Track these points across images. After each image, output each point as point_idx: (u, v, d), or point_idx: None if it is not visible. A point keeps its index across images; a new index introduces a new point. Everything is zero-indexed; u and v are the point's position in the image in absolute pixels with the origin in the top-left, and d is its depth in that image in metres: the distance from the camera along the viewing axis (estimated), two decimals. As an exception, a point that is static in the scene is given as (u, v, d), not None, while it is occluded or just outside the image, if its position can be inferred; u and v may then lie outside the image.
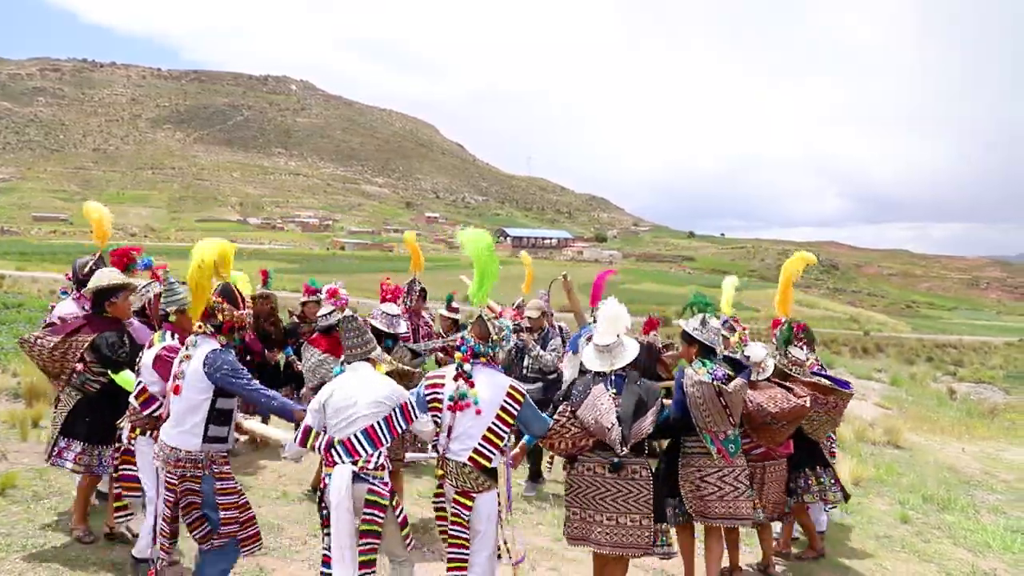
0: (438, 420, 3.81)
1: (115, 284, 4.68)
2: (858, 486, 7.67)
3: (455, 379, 3.81)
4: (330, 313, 6.07)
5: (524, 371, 6.67)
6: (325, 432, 3.64)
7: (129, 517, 4.62)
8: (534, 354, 6.66)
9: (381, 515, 3.53)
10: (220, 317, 3.86)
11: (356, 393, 3.59)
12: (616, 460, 3.98)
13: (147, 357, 4.16)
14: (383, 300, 6.16)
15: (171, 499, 3.78)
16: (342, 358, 3.90)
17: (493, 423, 3.73)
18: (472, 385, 3.76)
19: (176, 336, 4.17)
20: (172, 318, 4.23)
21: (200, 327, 3.86)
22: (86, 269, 5.25)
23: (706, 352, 4.55)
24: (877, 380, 21.31)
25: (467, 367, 3.81)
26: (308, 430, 3.65)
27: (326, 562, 3.50)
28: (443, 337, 7.34)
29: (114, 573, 4.47)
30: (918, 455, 10.09)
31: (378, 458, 3.55)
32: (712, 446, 4.45)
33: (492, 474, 3.76)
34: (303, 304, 7.52)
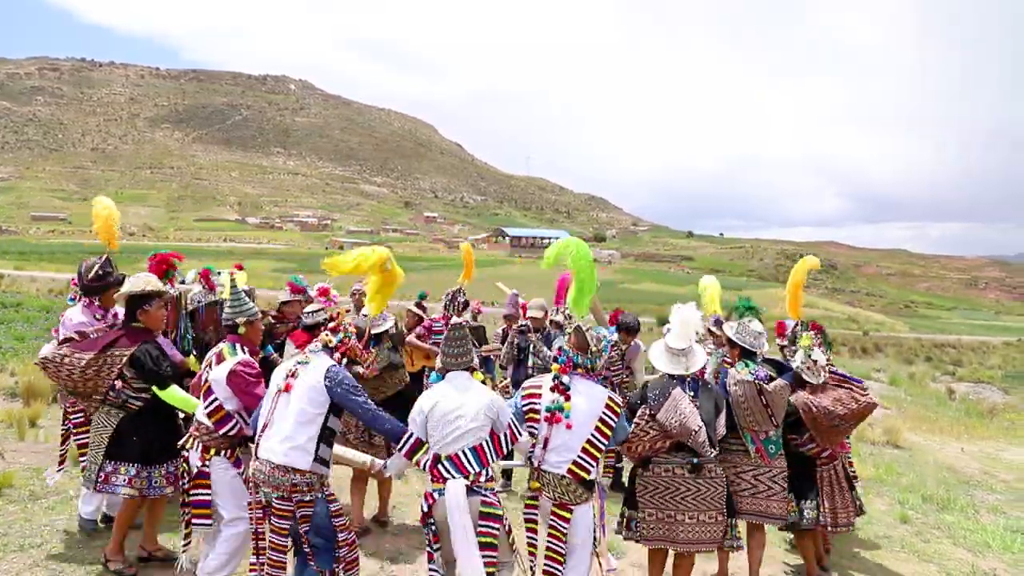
0: (534, 431, 3.78)
1: (150, 291, 4.29)
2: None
3: (552, 390, 3.77)
4: (317, 311, 6.08)
5: (530, 371, 6.68)
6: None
7: (186, 545, 4.11)
8: (542, 354, 6.67)
9: (497, 527, 3.49)
10: (341, 338, 3.81)
11: (460, 405, 3.50)
12: (695, 461, 4.07)
13: (218, 372, 3.91)
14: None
15: (284, 527, 3.57)
16: (436, 366, 3.97)
17: (592, 435, 3.70)
18: (568, 398, 3.73)
19: (246, 349, 4.01)
20: (241, 330, 4.03)
21: (318, 341, 3.80)
22: (92, 273, 4.81)
23: (747, 355, 4.68)
24: (876, 380, 21.30)
25: (565, 379, 3.79)
26: (418, 442, 3.54)
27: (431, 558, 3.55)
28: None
29: (108, 570, 4.46)
30: (917, 455, 10.08)
31: (487, 473, 3.51)
32: (752, 445, 4.55)
33: (590, 486, 3.72)
34: (284, 303, 6.98)
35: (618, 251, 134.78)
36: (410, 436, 3.56)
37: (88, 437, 4.50)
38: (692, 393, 4.18)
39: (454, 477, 3.42)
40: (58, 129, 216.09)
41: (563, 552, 3.68)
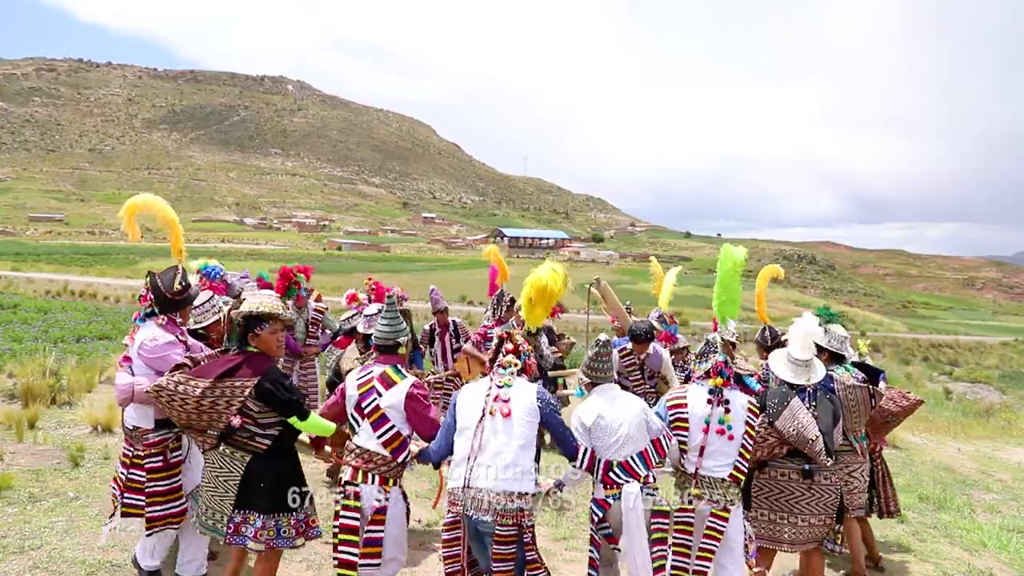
0: (683, 438, 4.00)
1: (268, 311, 3.71)
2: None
3: (708, 403, 3.98)
4: (351, 316, 6.30)
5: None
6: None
7: None
8: (545, 354, 6.70)
9: (666, 523, 3.77)
10: (525, 360, 3.78)
11: (620, 415, 3.74)
12: (807, 467, 4.29)
13: (394, 397, 3.70)
14: (379, 299, 6.18)
15: (511, 552, 3.47)
16: (578, 379, 4.00)
17: (743, 438, 4.00)
18: (729, 411, 3.97)
19: (401, 369, 3.85)
20: (402, 350, 3.90)
21: (508, 362, 3.74)
22: (176, 286, 4.20)
23: (836, 359, 4.92)
24: (873, 380, 21.34)
25: (727, 392, 4.01)
26: (593, 454, 3.73)
27: (594, 565, 3.77)
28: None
29: (107, 573, 4.46)
30: (914, 455, 10.11)
31: (653, 475, 3.77)
32: (856, 444, 4.90)
33: (740, 487, 4.03)
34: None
35: (616, 251, 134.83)
36: (585, 451, 3.73)
37: (163, 484, 4.05)
38: (813, 402, 4.38)
39: (627, 482, 3.66)
40: (55, 130, 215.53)
41: (715, 552, 3.91)
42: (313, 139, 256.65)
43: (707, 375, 4.06)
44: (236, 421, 3.56)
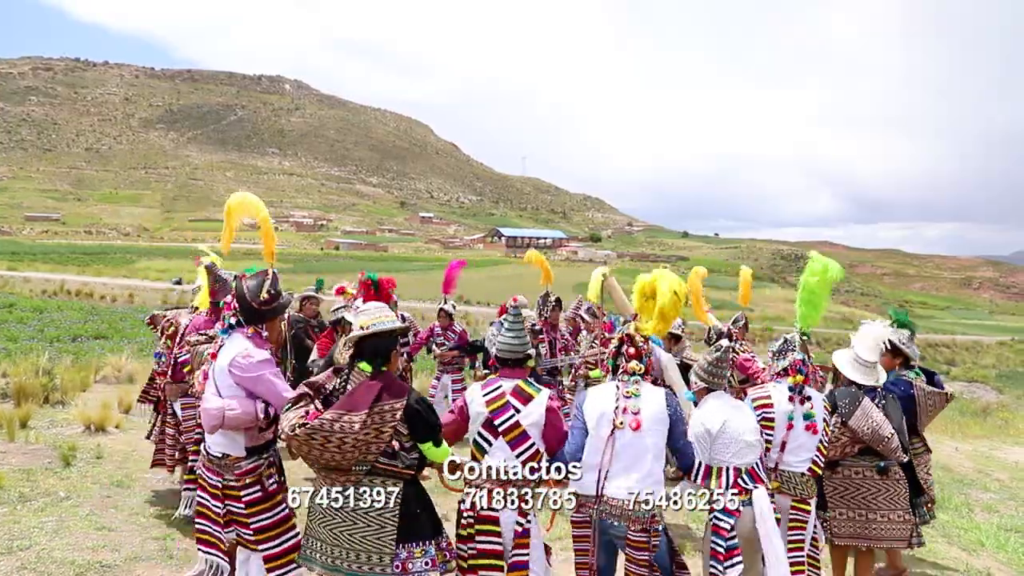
0: (769, 436, 4.05)
1: (401, 327, 3.41)
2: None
3: (790, 400, 4.07)
4: (338, 308, 6.35)
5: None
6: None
7: None
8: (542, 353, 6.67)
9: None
10: (646, 363, 3.69)
11: (745, 422, 3.79)
12: (882, 464, 4.43)
13: (534, 413, 3.49)
14: (368, 298, 6.10)
15: (644, 558, 3.42)
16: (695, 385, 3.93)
17: (822, 435, 4.12)
18: (813, 407, 4.08)
19: (531, 381, 3.68)
20: (531, 363, 3.78)
21: (633, 368, 3.62)
22: (265, 293, 3.71)
23: (907, 364, 5.09)
24: (871, 379, 21.39)
25: (808, 390, 4.10)
26: (708, 468, 3.77)
27: None
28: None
29: (96, 573, 4.42)
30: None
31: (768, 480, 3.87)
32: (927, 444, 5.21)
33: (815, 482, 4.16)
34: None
35: (614, 251, 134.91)
36: (700, 464, 3.72)
37: (268, 517, 3.62)
38: (882, 402, 4.57)
39: (755, 487, 3.70)
40: (52, 129, 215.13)
41: (803, 540, 3.99)
42: (310, 139, 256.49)
43: (786, 372, 4.16)
44: (395, 445, 3.22)
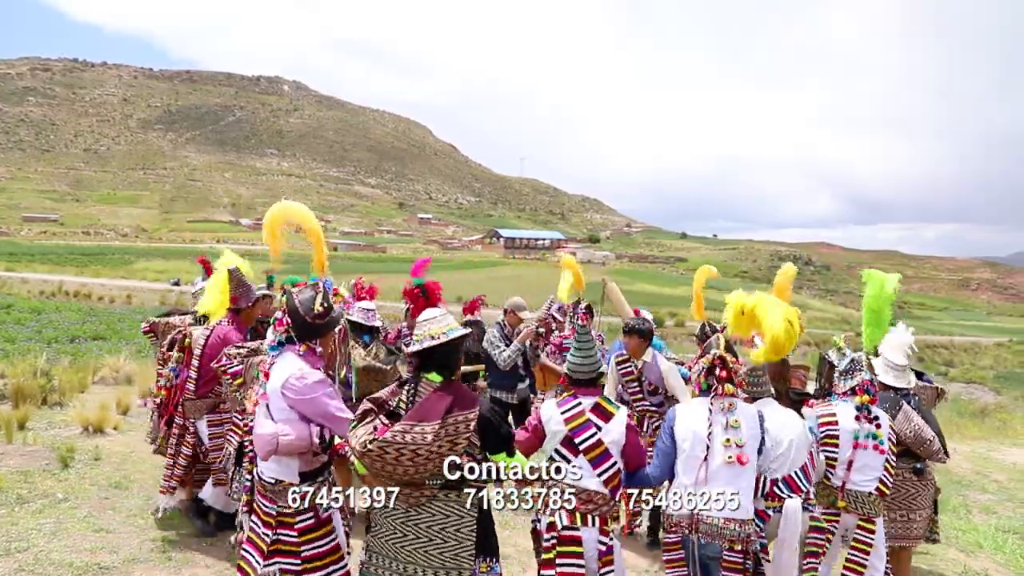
0: (832, 454, 4.13)
1: (463, 335, 3.29)
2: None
3: (856, 419, 4.11)
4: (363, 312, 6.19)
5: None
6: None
7: None
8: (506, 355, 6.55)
9: (822, 537, 3.97)
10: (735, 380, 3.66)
11: (788, 431, 3.77)
12: (919, 465, 4.61)
13: (615, 431, 3.46)
14: (358, 298, 6.09)
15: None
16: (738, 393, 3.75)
17: (889, 454, 4.18)
18: (879, 426, 4.13)
19: (610, 398, 3.69)
20: (602, 380, 3.76)
21: (729, 391, 3.56)
22: (318, 307, 3.47)
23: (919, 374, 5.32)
24: (869, 380, 21.39)
25: (875, 409, 4.17)
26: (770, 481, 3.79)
27: None
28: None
29: (94, 575, 4.42)
30: (910, 455, 10.10)
31: (812, 491, 3.91)
32: None
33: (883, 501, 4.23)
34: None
35: (612, 252, 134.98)
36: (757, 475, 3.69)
37: (321, 545, 3.45)
38: (915, 406, 4.69)
39: (790, 496, 3.70)
40: (50, 130, 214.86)
41: (866, 564, 4.06)
42: (309, 139, 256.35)
43: (853, 392, 4.18)
44: (462, 460, 3.06)
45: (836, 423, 4.11)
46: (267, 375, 3.43)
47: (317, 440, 3.40)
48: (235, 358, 4.04)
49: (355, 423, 3.14)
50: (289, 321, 3.46)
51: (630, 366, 5.66)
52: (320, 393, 3.34)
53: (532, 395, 6.78)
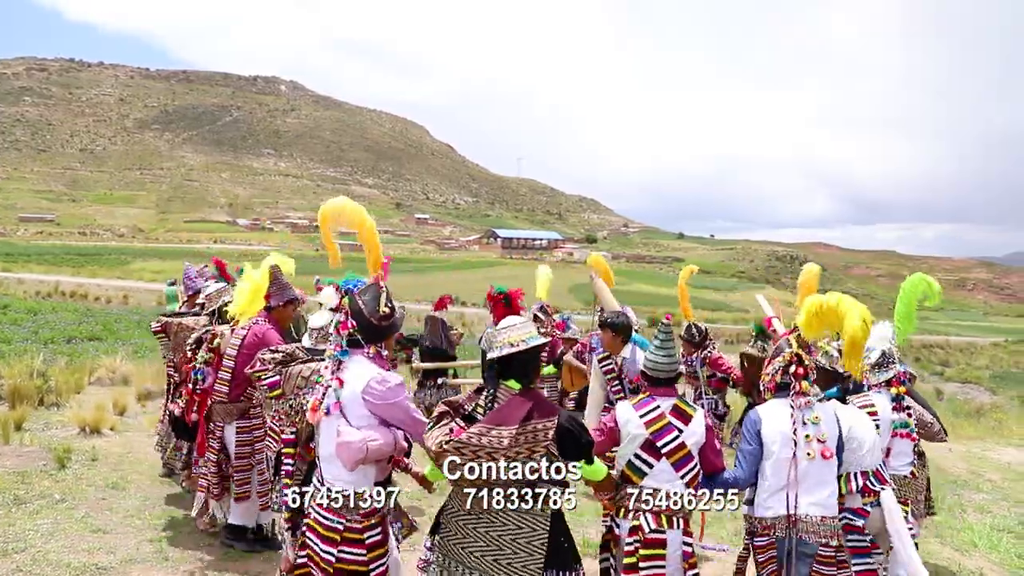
0: None
1: (547, 342, 3.19)
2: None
3: (894, 409, 4.40)
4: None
5: None
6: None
7: None
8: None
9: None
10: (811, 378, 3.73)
11: (868, 425, 3.88)
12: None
13: (696, 433, 3.48)
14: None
15: (832, 574, 3.52)
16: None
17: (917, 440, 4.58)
18: (911, 415, 4.45)
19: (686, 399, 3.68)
20: (680, 379, 3.94)
21: (807, 389, 3.60)
22: (384, 309, 3.33)
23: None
24: (865, 380, 21.45)
25: (907, 400, 4.47)
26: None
27: None
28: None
29: (92, 574, 4.42)
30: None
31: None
32: None
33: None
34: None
35: (609, 252, 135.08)
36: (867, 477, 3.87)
37: (385, 563, 3.27)
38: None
39: (882, 489, 3.84)
40: (46, 130, 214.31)
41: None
42: (306, 140, 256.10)
43: (888, 384, 4.43)
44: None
45: (876, 413, 4.27)
46: (340, 381, 3.22)
47: (405, 444, 3.29)
48: (268, 364, 3.80)
49: (431, 425, 3.09)
50: (354, 324, 3.31)
51: (611, 363, 5.45)
52: (402, 397, 3.24)
53: None
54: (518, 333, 3.10)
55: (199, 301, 5.90)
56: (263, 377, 3.72)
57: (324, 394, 3.23)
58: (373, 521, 3.20)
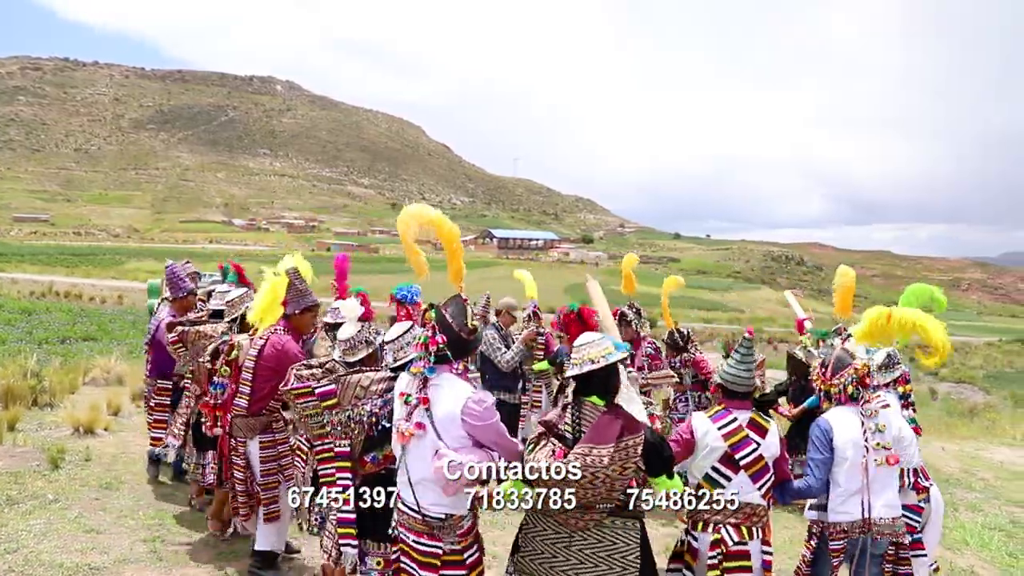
0: None
1: (626, 356, 3.23)
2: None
3: (903, 407, 4.54)
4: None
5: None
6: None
7: None
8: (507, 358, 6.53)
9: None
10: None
11: (903, 428, 3.93)
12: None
13: (772, 446, 3.52)
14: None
15: (889, 570, 3.81)
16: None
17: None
18: (915, 411, 4.77)
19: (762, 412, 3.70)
20: (757, 393, 3.80)
21: (870, 397, 3.78)
22: (472, 322, 3.25)
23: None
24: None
25: (912, 397, 4.80)
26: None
27: None
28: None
29: (85, 575, 4.42)
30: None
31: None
32: None
33: None
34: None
35: (605, 252, 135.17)
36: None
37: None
38: None
39: (932, 484, 4.26)
40: (40, 129, 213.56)
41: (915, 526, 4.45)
42: (302, 139, 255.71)
43: (895, 382, 4.58)
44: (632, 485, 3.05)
45: (888, 405, 4.51)
46: (425, 400, 3.09)
47: (504, 464, 3.17)
48: (308, 378, 3.58)
49: (531, 446, 3.08)
50: (443, 338, 3.14)
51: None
52: (497, 417, 3.14)
53: (523, 393, 6.95)
54: (597, 349, 3.09)
55: (212, 306, 5.52)
56: (314, 388, 3.49)
57: (411, 413, 3.10)
58: (470, 540, 3.18)
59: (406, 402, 3.13)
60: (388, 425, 3.33)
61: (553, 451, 3.01)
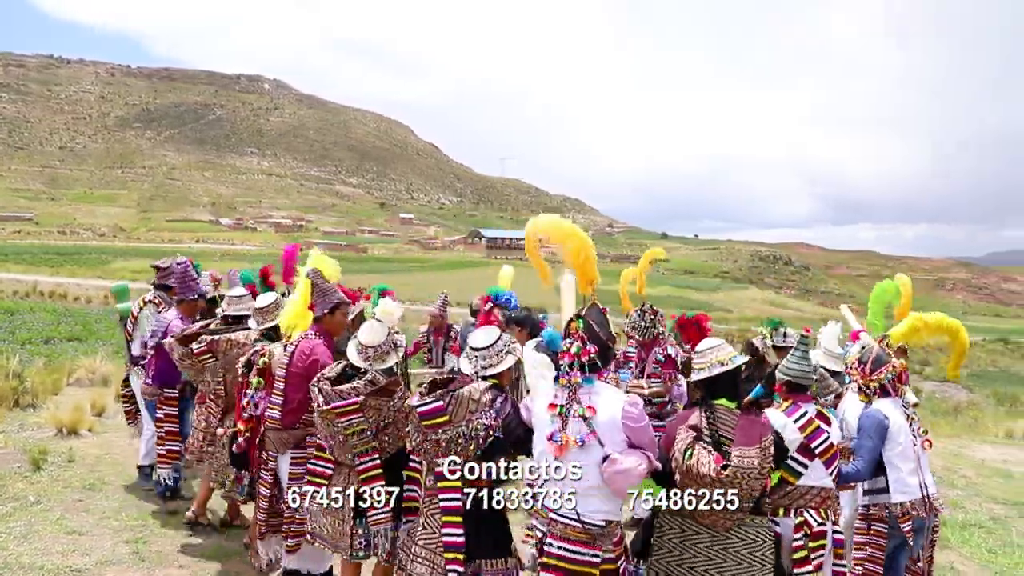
0: None
1: (745, 361, 3.42)
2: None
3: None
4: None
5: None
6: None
7: None
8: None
9: None
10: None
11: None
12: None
13: (836, 434, 3.84)
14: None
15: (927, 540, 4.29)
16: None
17: None
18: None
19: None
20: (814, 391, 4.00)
21: (906, 390, 4.32)
22: (612, 329, 3.34)
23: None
24: (845, 379, 21.69)
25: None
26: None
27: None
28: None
29: (71, 579, 4.39)
30: (882, 452, 10.27)
31: None
32: None
33: None
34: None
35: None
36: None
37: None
38: None
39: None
40: (24, 127, 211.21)
41: None
42: (289, 138, 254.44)
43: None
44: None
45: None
46: (592, 409, 3.11)
47: (660, 465, 3.22)
48: (355, 392, 3.49)
49: (689, 449, 3.13)
50: (595, 348, 3.17)
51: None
52: (648, 420, 3.21)
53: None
54: (724, 353, 3.27)
55: (232, 312, 5.28)
56: (424, 403, 3.26)
57: (564, 424, 3.10)
58: (621, 550, 3.22)
59: (560, 413, 3.12)
60: (500, 436, 3.27)
61: (713, 455, 3.09)
